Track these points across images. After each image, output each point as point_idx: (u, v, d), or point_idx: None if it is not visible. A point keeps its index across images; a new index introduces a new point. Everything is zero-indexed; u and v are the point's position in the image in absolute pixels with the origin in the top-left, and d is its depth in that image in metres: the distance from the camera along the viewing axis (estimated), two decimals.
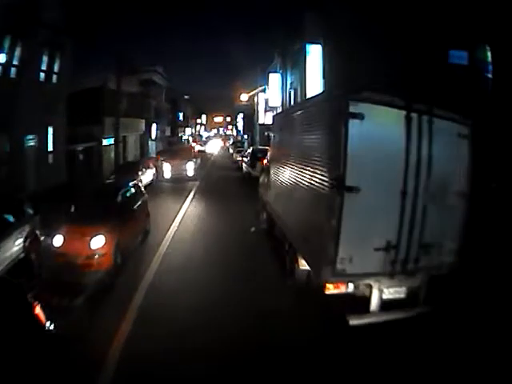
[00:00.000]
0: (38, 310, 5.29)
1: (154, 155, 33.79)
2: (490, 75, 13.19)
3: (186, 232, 13.24)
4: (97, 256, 8.61)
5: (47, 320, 5.36)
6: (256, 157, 25.30)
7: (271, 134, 12.42)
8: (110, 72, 24.53)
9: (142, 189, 12.97)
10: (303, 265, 7.10)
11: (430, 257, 6.43)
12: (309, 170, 6.77)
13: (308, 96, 21.53)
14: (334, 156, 5.63)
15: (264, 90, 42.42)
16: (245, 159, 29.59)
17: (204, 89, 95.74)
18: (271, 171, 10.87)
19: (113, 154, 26.43)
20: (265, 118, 41.23)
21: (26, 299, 5.27)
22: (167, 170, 25.41)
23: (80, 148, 23.72)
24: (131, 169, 22.67)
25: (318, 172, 6.24)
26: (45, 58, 18.88)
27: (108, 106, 24.92)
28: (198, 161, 30.91)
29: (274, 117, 12.86)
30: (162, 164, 25.85)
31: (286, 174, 8.69)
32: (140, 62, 35.39)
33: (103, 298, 7.74)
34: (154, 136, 42.12)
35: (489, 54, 13.59)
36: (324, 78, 21.80)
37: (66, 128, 20.94)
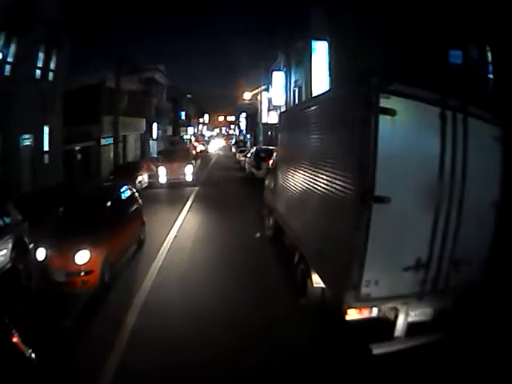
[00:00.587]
0: (16, 339, 4.56)
1: (156, 155, 32.36)
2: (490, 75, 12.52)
3: (185, 242, 11.89)
4: (82, 273, 7.48)
5: (28, 348, 4.62)
6: (260, 157, 24.33)
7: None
8: (108, 70, 23.81)
9: (137, 194, 11.67)
10: (317, 282, 6.28)
11: (459, 274, 5.67)
12: (326, 175, 5.88)
13: (314, 94, 20.91)
14: (360, 159, 4.77)
15: (267, 89, 41.79)
16: (248, 159, 28.49)
17: (206, 88, 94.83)
18: (279, 174, 10.03)
19: (112, 154, 25.76)
20: (268, 117, 40.55)
21: (3, 326, 4.55)
22: (162, 174, 22.43)
23: (78, 148, 23.04)
24: (131, 169, 22.02)
25: (339, 177, 5.36)
26: (41, 55, 18.21)
27: (107, 104, 24.22)
28: (199, 162, 29.34)
29: (281, 114, 11.91)
30: (157, 167, 23.03)
31: (296, 178, 7.74)
32: (141, 60, 34.79)
33: (90, 321, 6.84)
34: (155, 135, 41.39)
35: (489, 53, 13.08)
36: (330, 75, 21.14)
37: (63, 127, 20.32)
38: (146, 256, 10.48)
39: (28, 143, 17.54)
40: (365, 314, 5.21)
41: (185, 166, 22.67)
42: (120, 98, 25.02)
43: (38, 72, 18.16)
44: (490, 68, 12.64)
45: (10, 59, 15.87)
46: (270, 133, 42.97)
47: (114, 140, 23.92)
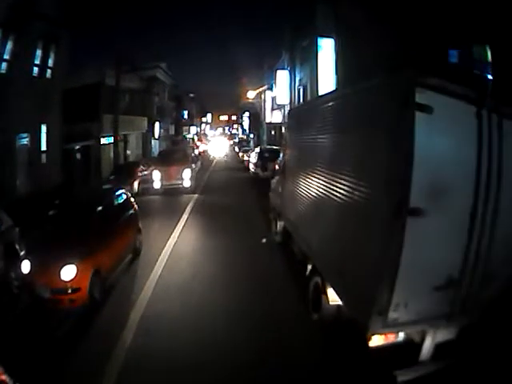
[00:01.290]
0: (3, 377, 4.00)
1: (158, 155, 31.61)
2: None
3: (184, 253, 10.87)
4: (69, 291, 6.64)
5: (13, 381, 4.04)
6: (264, 157, 23.63)
7: (286, 133, 10.63)
8: (109, 67, 23.23)
9: (132, 199, 10.69)
10: (334, 300, 5.64)
11: (489, 289, 5.06)
12: (347, 181, 5.15)
13: (320, 92, 20.32)
14: (392, 164, 4.07)
15: (271, 88, 41.26)
16: (252, 159, 27.63)
17: (209, 87, 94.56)
18: (287, 177, 9.33)
19: (112, 154, 25.24)
20: (272, 117, 39.99)
21: None
22: (157, 178, 20.09)
23: (77, 147, 22.46)
24: (132, 169, 21.52)
25: (364, 184, 4.66)
26: (38, 52, 17.58)
27: (107, 102, 23.60)
28: (199, 164, 27.30)
29: (290, 112, 11.09)
30: (151, 171, 20.80)
31: (309, 183, 6.95)
32: (143, 58, 34.29)
33: (80, 342, 6.21)
34: (157, 135, 40.81)
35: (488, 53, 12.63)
36: (337, 73, 20.56)
37: (62, 126, 19.71)
38: (143, 265, 9.68)
39: (24, 142, 16.95)
40: (390, 339, 4.59)
41: (182, 170, 20.13)
42: (120, 96, 24.41)
43: (36, 69, 17.55)
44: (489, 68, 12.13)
45: (6, 56, 15.30)
46: (273, 132, 42.48)
47: (114, 139, 23.28)
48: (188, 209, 16.55)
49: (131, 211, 10.19)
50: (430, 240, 4.07)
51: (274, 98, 38.18)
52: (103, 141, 24.98)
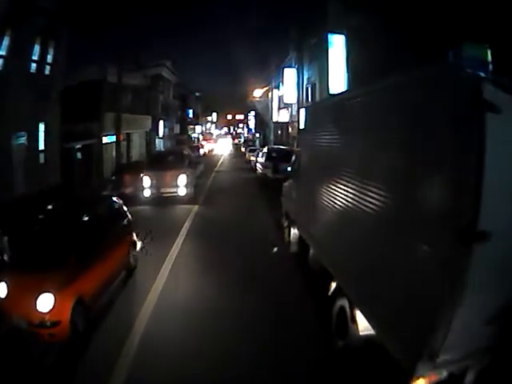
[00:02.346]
0: None
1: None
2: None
3: (187, 270, 9.32)
4: (48, 324, 5.41)
5: None
6: (272, 157, 22.70)
7: (302, 132, 9.54)
8: (111, 64, 22.46)
9: (125, 207, 9.25)
10: (364, 328, 4.76)
11: None
12: (387, 192, 4.25)
13: (331, 91, 19.50)
14: (455, 175, 3.18)
15: (278, 87, 40.57)
16: (259, 159, 26.39)
17: (215, 86, 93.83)
18: (302, 181, 8.41)
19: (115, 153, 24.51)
20: (278, 116, 39.24)
21: None
22: (147, 185, 16.91)
23: (78, 146, 21.75)
24: (134, 169, 20.71)
25: (413, 197, 3.76)
26: (37, 48, 16.89)
27: (109, 100, 22.83)
28: (201, 168, 23.78)
29: (307, 109, 10.00)
30: (141, 176, 17.29)
31: (333, 190, 5.93)
32: (147, 56, 33.62)
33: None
34: (161, 134, 40.13)
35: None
36: (348, 71, 19.75)
37: (62, 124, 19.02)
38: (138, 286, 8.30)
39: (22, 141, 16.24)
40: (433, 379, 3.75)
41: (177, 176, 16.89)
42: (123, 94, 23.64)
43: (34, 65, 16.85)
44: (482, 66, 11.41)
45: (2, 52, 14.62)
46: (280, 132, 41.74)
47: (116, 138, 22.50)
48: (184, 229, 12.60)
49: (124, 221, 8.90)
50: (492, 267, 3.21)
51: (281, 97, 37.54)
52: (105, 140, 24.26)
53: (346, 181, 5.33)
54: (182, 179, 16.98)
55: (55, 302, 5.38)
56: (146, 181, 16.95)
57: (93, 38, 20.20)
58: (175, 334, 6.26)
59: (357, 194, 4.94)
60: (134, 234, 9.20)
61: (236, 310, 6.89)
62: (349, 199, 5.22)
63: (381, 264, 4.29)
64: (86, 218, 7.16)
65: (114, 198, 9.03)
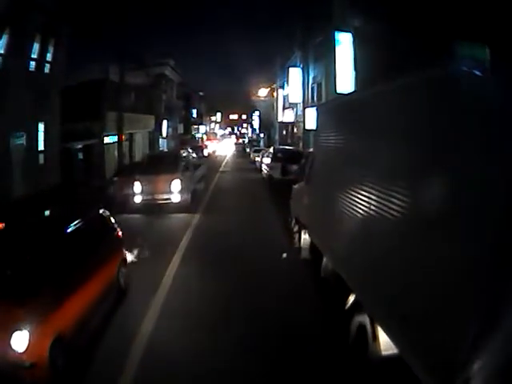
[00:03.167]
0: None
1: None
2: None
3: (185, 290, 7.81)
4: (26, 364, 4.38)
5: None
6: (278, 158, 22.16)
7: (317, 132, 8.83)
8: (113, 63, 22.05)
9: (112, 219, 7.87)
10: (387, 348, 4.25)
11: None
12: (416, 198, 3.74)
13: (338, 90, 18.97)
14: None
15: (282, 86, 40.17)
16: (265, 160, 25.71)
17: (219, 85, 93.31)
18: (315, 184, 7.85)
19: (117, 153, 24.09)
20: (283, 116, 38.80)
21: None
22: (138, 191, 15.27)
23: (79, 146, 21.36)
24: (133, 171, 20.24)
25: (442, 203, 3.30)
26: (36, 45, 16.56)
27: (111, 99, 22.41)
28: (203, 169, 21.72)
29: (319, 108, 9.32)
30: (131, 181, 15.55)
31: (354, 197, 5.37)
32: (150, 55, 33.20)
33: None
34: (164, 133, 39.75)
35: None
36: (356, 70, 19.23)
37: (62, 124, 18.70)
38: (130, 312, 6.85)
39: (20, 142, 15.93)
40: None
41: (170, 181, 15.17)
42: (125, 93, 23.19)
43: (33, 64, 16.51)
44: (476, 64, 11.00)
45: (0, 50, 14.30)
46: (285, 132, 41.33)
47: (118, 138, 22.06)
48: (181, 247, 10.40)
49: (113, 236, 7.62)
50: None
51: (286, 97, 37.11)
52: (107, 140, 23.84)
53: (368, 186, 4.78)
54: (176, 185, 15.27)
55: (30, 342, 4.47)
56: (137, 186, 15.31)
57: (94, 36, 19.74)
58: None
59: (381, 200, 4.38)
60: (125, 251, 7.95)
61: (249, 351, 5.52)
62: (372, 205, 4.65)
63: (411, 278, 3.77)
64: (67, 236, 6.08)
65: (101, 211, 7.66)
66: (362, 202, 5.00)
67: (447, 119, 3.28)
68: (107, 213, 7.73)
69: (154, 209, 15.01)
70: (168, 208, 15.12)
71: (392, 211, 4.11)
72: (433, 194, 3.52)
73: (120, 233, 7.89)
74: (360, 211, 5.08)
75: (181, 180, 15.45)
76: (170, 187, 15.18)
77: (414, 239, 3.72)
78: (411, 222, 3.78)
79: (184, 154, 18.33)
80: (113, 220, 7.82)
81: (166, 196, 15.26)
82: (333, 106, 7.89)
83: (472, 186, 2.97)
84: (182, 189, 15.35)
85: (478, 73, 3.08)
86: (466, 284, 3.00)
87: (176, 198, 15.25)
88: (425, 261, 3.54)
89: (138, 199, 15.30)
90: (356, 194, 5.24)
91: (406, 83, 4.22)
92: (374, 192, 4.62)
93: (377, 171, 4.67)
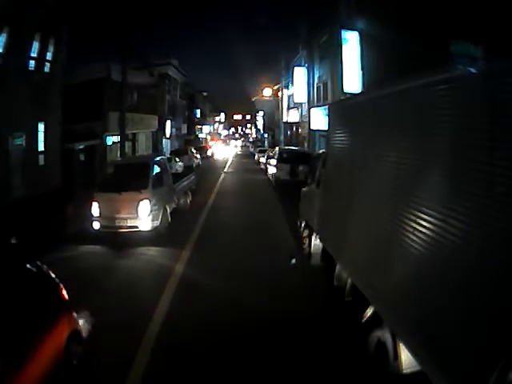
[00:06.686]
0: None
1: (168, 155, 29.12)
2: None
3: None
4: None
5: None
6: (284, 158, 21.64)
7: (329, 133, 8.26)
8: (115, 61, 21.64)
9: (53, 275, 5.23)
10: (409, 366, 3.85)
11: None
12: (445, 207, 3.33)
13: (345, 89, 18.52)
14: None
15: (287, 86, 39.76)
16: (270, 160, 25.08)
17: (222, 86, 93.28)
18: (328, 190, 7.42)
19: (119, 154, 23.70)
20: (288, 116, 38.38)
21: None
22: (96, 214, 11.35)
23: (80, 147, 20.95)
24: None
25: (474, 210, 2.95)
26: (36, 44, 16.13)
27: (113, 99, 22.00)
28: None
29: (331, 107, 8.72)
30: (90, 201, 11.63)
31: (377, 204, 4.91)
32: (153, 54, 32.91)
33: None
34: (168, 134, 39.34)
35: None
36: (363, 69, 18.77)
37: (63, 124, 18.30)
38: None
39: (20, 142, 15.51)
40: None
41: (136, 202, 11.17)
42: (128, 92, 22.77)
43: (32, 63, 16.10)
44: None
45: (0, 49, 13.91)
46: (289, 132, 40.93)
47: (120, 138, 21.66)
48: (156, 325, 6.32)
49: (52, 300, 5.08)
50: None
51: (290, 97, 36.70)
52: (109, 140, 23.44)
53: (394, 190, 4.34)
54: (144, 206, 11.20)
55: None
56: (95, 208, 11.38)
57: (96, 34, 19.39)
58: None
59: (411, 209, 3.95)
60: (77, 318, 5.47)
61: None
62: (400, 213, 4.19)
63: (443, 301, 3.36)
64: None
65: (38, 263, 5.16)
66: (387, 208, 4.54)
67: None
68: (45, 267, 5.20)
69: (118, 239, 11.00)
70: (138, 239, 11.00)
71: (424, 222, 3.67)
72: (466, 202, 3.14)
73: (65, 293, 5.29)
74: (384, 219, 4.61)
75: (150, 200, 11.33)
76: (135, 210, 11.13)
77: (452, 256, 3.30)
78: (447, 235, 3.35)
79: (160, 161, 13.49)
80: (52, 275, 5.21)
81: (130, 222, 11.16)
82: (348, 105, 7.37)
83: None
84: (152, 212, 11.38)
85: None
86: (501, 309, 2.75)
87: (145, 224, 11.21)
88: (461, 280, 3.15)
89: (96, 225, 11.38)
90: (379, 200, 4.79)
91: (431, 80, 3.79)
92: (401, 198, 4.16)
93: (405, 174, 4.20)
